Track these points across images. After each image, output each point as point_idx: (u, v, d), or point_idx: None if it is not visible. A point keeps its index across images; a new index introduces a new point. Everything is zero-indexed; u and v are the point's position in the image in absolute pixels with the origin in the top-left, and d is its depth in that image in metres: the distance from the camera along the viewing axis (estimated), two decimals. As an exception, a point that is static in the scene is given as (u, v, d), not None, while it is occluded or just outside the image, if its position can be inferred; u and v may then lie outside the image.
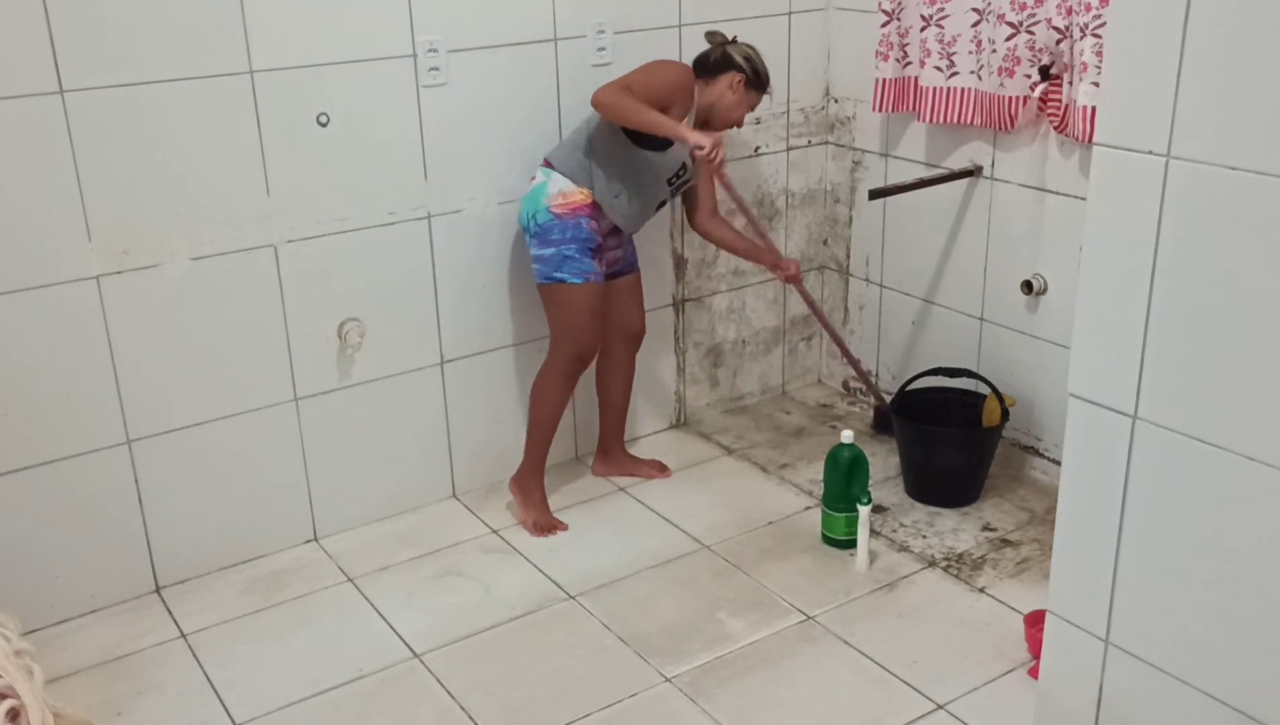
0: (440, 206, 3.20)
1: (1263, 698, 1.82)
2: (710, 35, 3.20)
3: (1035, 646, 2.60)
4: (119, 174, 2.73)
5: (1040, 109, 3.13)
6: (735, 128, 3.27)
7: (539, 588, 3.01)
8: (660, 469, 3.54)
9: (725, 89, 3.11)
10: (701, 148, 2.93)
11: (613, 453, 3.54)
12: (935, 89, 3.34)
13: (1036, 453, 3.43)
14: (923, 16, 3.30)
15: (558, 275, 3.09)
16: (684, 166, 3.16)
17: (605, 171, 3.08)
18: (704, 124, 3.16)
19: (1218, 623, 1.86)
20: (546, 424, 3.25)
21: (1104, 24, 2.75)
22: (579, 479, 3.55)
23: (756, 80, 3.14)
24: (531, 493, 3.28)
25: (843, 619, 2.85)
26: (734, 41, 3.18)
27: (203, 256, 2.88)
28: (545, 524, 3.25)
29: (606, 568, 3.08)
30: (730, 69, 3.11)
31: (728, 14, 3.51)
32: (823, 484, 3.17)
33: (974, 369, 3.47)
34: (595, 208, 3.10)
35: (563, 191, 3.07)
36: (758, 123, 3.68)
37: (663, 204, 3.26)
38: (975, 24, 3.20)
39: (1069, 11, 2.93)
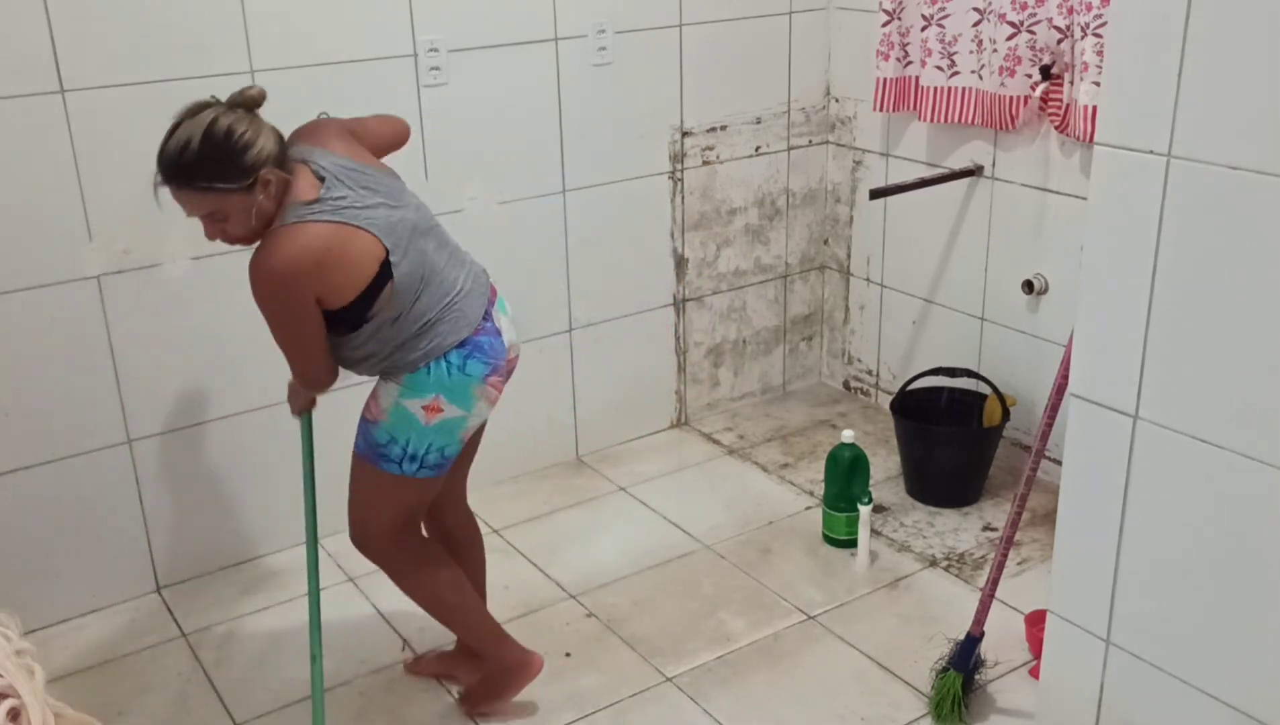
0: (440, 206, 3.18)
1: (1263, 698, 1.82)
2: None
3: (1035, 646, 2.60)
4: (119, 174, 2.73)
5: (1041, 109, 3.13)
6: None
7: (539, 588, 3.01)
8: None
9: None
10: None
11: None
12: (936, 88, 3.34)
13: (1037, 452, 3.43)
14: (923, 16, 3.30)
15: None
16: None
17: None
18: None
19: (1218, 623, 1.86)
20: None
21: (1105, 23, 2.75)
22: (579, 478, 3.55)
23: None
24: None
25: (843, 619, 2.85)
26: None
27: (203, 256, 2.88)
28: None
29: (606, 568, 3.08)
30: None
31: (728, 14, 3.51)
32: (823, 484, 3.17)
33: (974, 369, 3.47)
34: None
35: None
36: (758, 123, 3.68)
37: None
38: (976, 23, 3.19)
39: (1070, 11, 2.93)
